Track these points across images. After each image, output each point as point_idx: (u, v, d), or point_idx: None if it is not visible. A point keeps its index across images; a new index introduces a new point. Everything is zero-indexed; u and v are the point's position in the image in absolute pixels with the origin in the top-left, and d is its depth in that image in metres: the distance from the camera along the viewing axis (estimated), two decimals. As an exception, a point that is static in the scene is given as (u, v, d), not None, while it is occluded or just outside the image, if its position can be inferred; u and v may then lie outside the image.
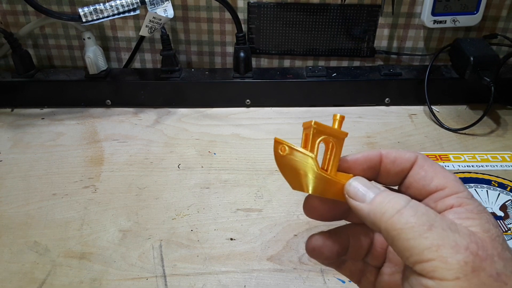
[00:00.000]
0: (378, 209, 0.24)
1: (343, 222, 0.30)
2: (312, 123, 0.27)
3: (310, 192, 0.27)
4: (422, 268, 0.21)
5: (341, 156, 0.28)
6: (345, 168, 0.28)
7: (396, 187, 0.28)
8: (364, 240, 0.29)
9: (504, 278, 0.21)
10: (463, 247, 0.21)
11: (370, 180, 0.28)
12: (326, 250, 0.28)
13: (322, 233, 0.29)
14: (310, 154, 0.26)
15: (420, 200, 0.26)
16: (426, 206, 0.25)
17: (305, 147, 0.27)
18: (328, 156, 0.28)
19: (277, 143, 0.27)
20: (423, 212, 0.23)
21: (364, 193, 0.25)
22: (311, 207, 0.29)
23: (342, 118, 0.28)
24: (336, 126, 0.27)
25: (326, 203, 0.28)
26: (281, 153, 0.27)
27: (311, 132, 0.27)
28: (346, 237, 0.29)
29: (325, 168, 0.28)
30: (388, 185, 0.28)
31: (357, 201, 0.25)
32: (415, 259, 0.22)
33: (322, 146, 0.27)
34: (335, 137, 0.27)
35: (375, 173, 0.28)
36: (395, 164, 0.27)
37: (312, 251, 0.29)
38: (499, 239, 0.22)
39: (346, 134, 0.28)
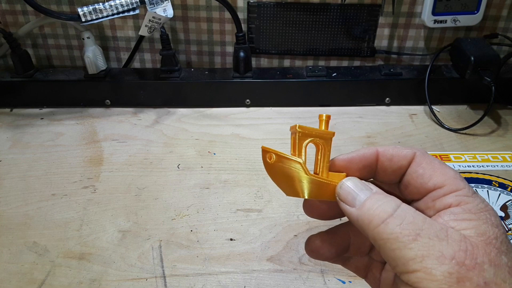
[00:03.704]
0: (365, 216, 0.23)
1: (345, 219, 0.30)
2: (297, 127, 0.26)
3: (305, 197, 0.27)
4: (408, 278, 0.21)
5: (336, 155, 0.28)
6: (341, 167, 0.27)
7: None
8: (364, 236, 0.29)
9: (493, 286, 0.20)
10: (449, 257, 0.21)
11: (367, 179, 0.28)
12: (325, 250, 0.28)
13: (320, 233, 0.29)
14: (298, 159, 0.26)
15: (418, 199, 0.26)
16: (418, 209, 0.24)
17: (293, 151, 0.27)
18: (318, 158, 0.27)
19: (265, 151, 0.27)
20: (409, 221, 0.22)
21: (354, 197, 0.25)
22: (310, 207, 0.29)
23: (328, 117, 0.27)
24: (323, 127, 0.27)
25: (325, 202, 0.28)
26: (269, 161, 0.27)
27: (297, 136, 0.26)
28: (346, 235, 0.29)
29: (317, 170, 0.27)
30: (386, 183, 0.28)
31: (347, 205, 0.25)
32: (401, 269, 0.22)
33: (312, 148, 0.27)
34: (322, 138, 0.27)
35: (372, 171, 0.27)
36: (392, 162, 0.26)
37: (311, 252, 0.29)
38: (495, 242, 0.22)
39: (332, 134, 0.27)
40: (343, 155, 0.27)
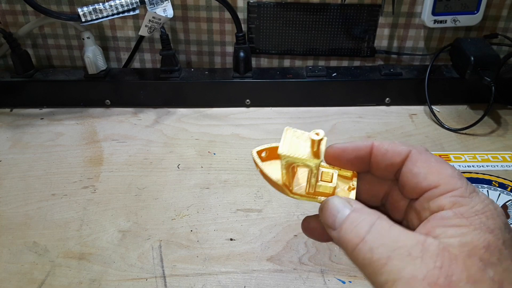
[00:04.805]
0: (342, 240, 0.23)
1: None
2: (281, 158, 0.26)
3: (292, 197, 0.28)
4: None
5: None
6: (334, 156, 0.27)
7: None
8: None
9: None
10: (421, 277, 0.20)
11: (362, 171, 0.28)
12: (319, 231, 0.28)
13: (317, 215, 0.29)
14: (279, 182, 0.27)
15: (415, 199, 0.25)
16: (415, 209, 0.24)
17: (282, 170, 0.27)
18: (308, 176, 0.27)
19: (254, 161, 0.28)
20: (380, 243, 0.22)
21: (333, 219, 0.24)
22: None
23: (320, 141, 0.25)
24: (315, 148, 0.25)
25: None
26: (257, 170, 0.28)
27: (281, 162, 0.26)
28: None
29: (307, 188, 0.28)
30: (383, 179, 0.28)
31: (329, 227, 0.25)
32: None
33: None
34: (307, 167, 0.26)
35: (365, 164, 0.27)
36: (385, 157, 0.26)
37: (306, 230, 0.29)
38: (483, 252, 0.20)
39: (318, 162, 0.25)
40: (338, 144, 0.27)
